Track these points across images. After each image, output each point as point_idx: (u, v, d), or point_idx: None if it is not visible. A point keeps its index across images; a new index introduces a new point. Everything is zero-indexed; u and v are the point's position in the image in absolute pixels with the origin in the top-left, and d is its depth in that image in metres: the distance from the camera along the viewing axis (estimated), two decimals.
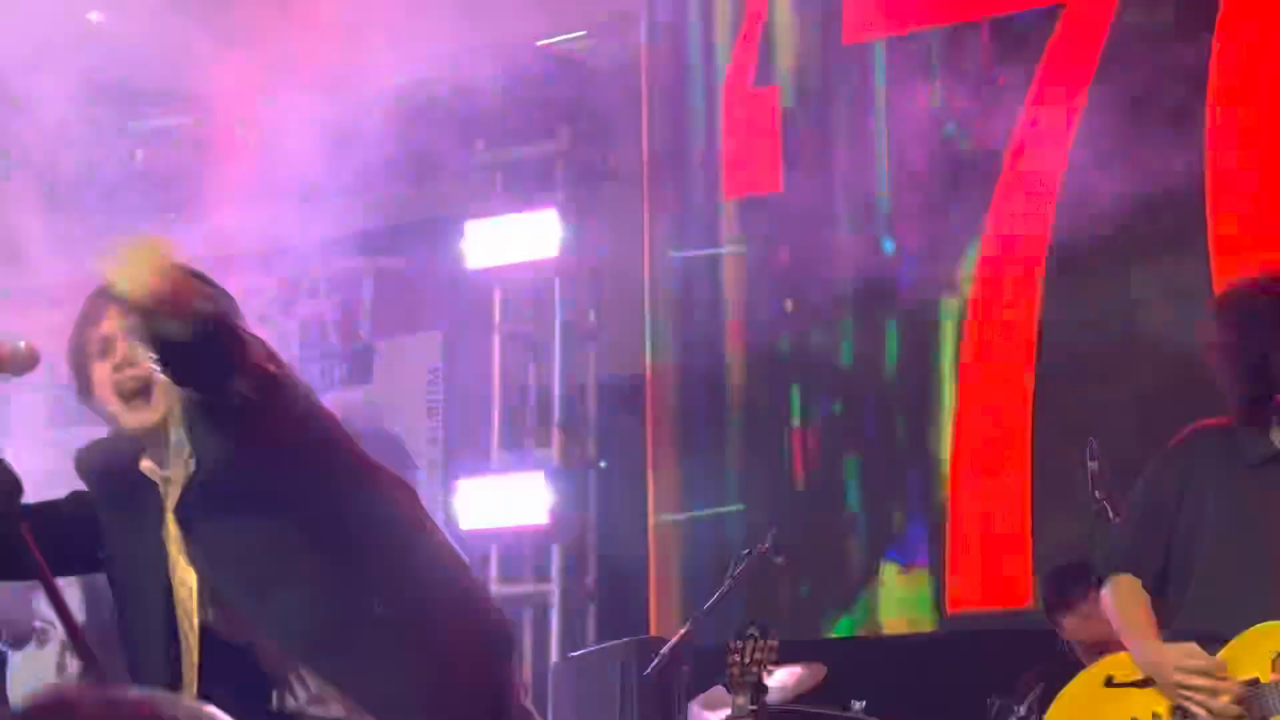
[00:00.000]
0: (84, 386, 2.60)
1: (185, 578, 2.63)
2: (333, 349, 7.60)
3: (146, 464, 2.61)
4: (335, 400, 6.68)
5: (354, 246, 7.42)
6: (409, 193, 7.10)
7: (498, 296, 7.00)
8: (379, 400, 7.58)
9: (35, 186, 6.87)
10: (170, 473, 2.61)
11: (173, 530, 2.61)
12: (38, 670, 5.98)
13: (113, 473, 2.69)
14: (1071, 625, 4.60)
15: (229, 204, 6.69)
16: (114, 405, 2.57)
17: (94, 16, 6.65)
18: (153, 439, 2.62)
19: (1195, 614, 3.04)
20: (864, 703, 5.19)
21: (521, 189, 6.79)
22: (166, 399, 2.56)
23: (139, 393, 2.53)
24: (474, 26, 5.99)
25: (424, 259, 7.30)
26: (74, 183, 6.89)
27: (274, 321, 7.45)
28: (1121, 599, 3.14)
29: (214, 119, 6.98)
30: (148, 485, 2.62)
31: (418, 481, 6.87)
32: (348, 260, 7.44)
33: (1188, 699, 2.92)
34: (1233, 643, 2.97)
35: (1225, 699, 2.91)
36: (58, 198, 6.91)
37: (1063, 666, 4.47)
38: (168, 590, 2.65)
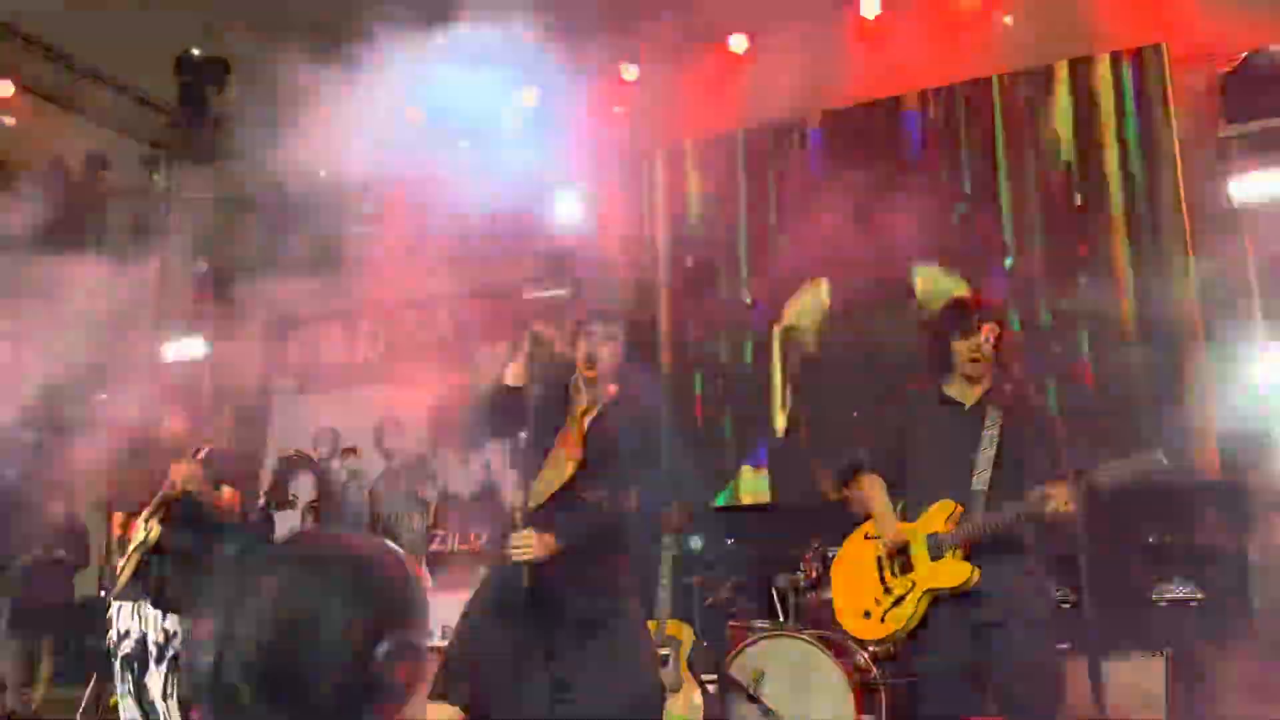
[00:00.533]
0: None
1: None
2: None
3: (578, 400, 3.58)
4: None
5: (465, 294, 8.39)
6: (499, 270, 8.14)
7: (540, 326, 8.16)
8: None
9: None
10: (583, 408, 3.57)
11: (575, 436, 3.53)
12: (288, 524, 8.32)
13: (556, 386, 3.59)
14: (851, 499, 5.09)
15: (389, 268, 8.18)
16: (580, 363, 3.55)
17: None
18: (587, 387, 3.60)
19: (914, 495, 3.75)
20: (732, 540, 6.45)
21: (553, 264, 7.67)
22: (596, 387, 3.61)
23: (591, 364, 3.54)
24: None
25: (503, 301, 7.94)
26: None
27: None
28: (874, 489, 3.84)
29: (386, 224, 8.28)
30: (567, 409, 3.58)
31: None
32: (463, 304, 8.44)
33: (889, 545, 3.71)
34: (927, 511, 3.66)
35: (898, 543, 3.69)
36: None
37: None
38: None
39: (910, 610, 3.62)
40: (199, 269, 8.95)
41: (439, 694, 3.37)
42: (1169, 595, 5.95)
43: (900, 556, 3.69)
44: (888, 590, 3.70)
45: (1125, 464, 3.40)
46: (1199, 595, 5.92)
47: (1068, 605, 5.59)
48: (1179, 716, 4.94)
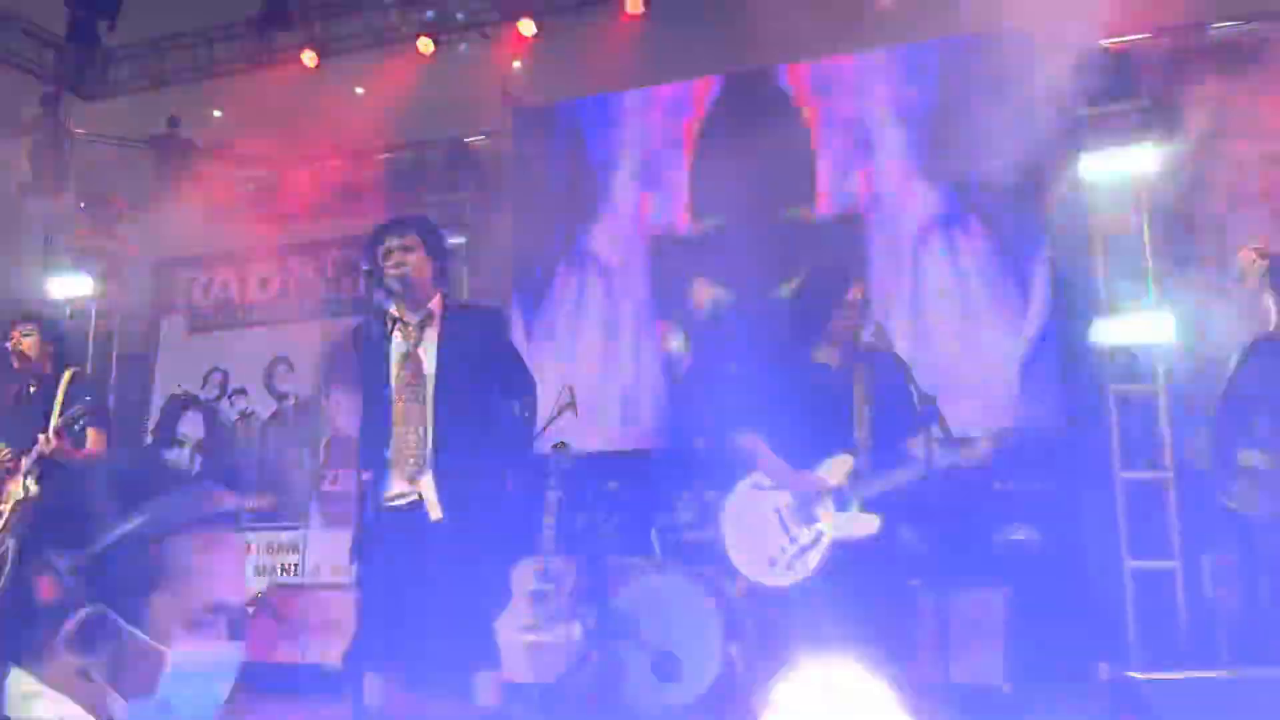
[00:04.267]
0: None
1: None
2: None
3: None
4: None
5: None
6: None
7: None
8: None
9: None
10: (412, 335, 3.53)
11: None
12: (178, 462, 8.14)
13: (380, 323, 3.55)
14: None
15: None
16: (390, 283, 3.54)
17: None
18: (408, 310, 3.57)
19: (798, 449, 3.75)
20: (615, 483, 6.44)
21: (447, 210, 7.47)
22: (418, 307, 3.59)
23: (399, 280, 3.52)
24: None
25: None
26: None
27: None
28: (759, 447, 3.85)
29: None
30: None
31: None
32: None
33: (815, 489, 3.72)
34: (826, 463, 3.73)
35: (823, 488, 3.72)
36: None
37: None
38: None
39: (819, 557, 3.69)
40: (86, 205, 8.64)
41: None
42: (1009, 536, 6.28)
43: (802, 507, 3.74)
44: (793, 540, 3.73)
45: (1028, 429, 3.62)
46: (1036, 537, 6.27)
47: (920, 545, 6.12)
48: (1015, 645, 5.17)
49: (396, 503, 3.42)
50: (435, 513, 3.38)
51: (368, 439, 3.48)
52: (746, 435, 3.87)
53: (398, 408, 3.43)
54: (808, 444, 3.78)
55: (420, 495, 3.43)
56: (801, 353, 3.89)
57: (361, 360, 3.52)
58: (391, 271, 3.49)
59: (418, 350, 3.52)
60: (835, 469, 3.72)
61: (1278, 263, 3.93)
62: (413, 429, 3.42)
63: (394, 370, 3.48)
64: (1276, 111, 6.17)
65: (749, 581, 3.95)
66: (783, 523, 3.77)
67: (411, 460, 3.41)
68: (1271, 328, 3.92)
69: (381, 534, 3.37)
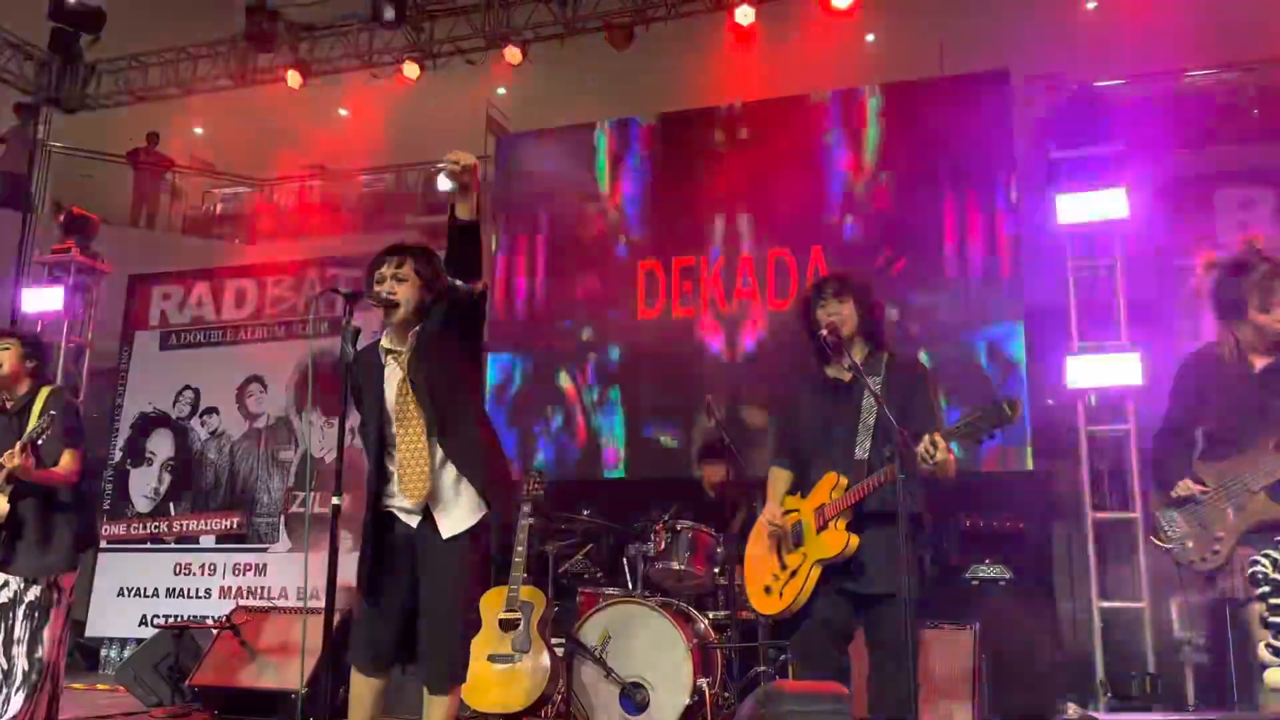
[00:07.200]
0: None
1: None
2: None
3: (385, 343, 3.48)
4: None
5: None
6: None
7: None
8: None
9: None
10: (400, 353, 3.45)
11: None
12: (145, 480, 8.25)
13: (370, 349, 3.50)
14: (705, 473, 6.06)
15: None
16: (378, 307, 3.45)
17: None
18: (394, 333, 3.49)
19: (806, 472, 3.74)
20: (588, 511, 6.26)
21: (427, 234, 7.73)
22: (404, 329, 3.48)
23: (388, 305, 3.45)
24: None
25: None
26: None
27: None
28: (774, 481, 3.86)
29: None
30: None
31: None
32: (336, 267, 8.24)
33: (771, 530, 3.74)
34: (817, 484, 3.66)
35: (780, 528, 3.69)
36: None
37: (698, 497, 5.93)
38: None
39: (802, 582, 3.59)
40: (61, 217, 8.43)
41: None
42: (980, 574, 6.27)
43: (795, 533, 3.67)
44: (784, 566, 3.68)
45: (971, 414, 3.28)
46: (1007, 575, 6.26)
47: None
48: (984, 684, 5.11)
49: (400, 525, 3.47)
50: (445, 532, 3.41)
51: (371, 465, 3.47)
52: (773, 466, 3.87)
53: (399, 433, 3.42)
54: (814, 464, 3.72)
55: (421, 518, 3.43)
56: (817, 369, 3.84)
57: (360, 386, 3.49)
58: (380, 296, 3.41)
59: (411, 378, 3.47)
60: (823, 489, 3.63)
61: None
62: (415, 455, 3.40)
63: (392, 397, 3.44)
64: (1251, 156, 6.25)
65: (770, 616, 3.84)
66: (778, 549, 3.72)
67: (415, 485, 3.41)
68: None
69: (382, 557, 3.41)
